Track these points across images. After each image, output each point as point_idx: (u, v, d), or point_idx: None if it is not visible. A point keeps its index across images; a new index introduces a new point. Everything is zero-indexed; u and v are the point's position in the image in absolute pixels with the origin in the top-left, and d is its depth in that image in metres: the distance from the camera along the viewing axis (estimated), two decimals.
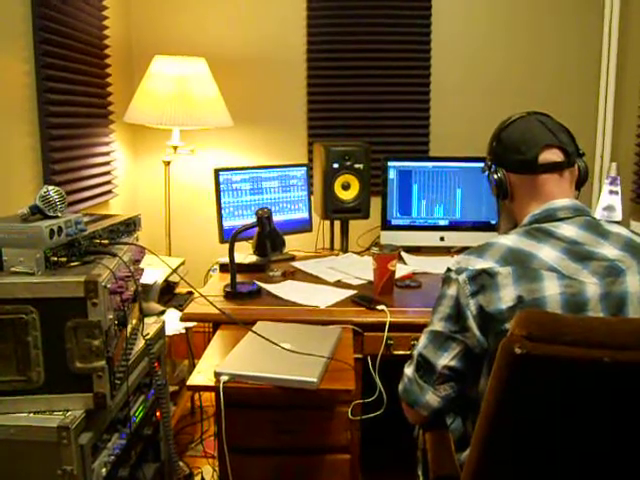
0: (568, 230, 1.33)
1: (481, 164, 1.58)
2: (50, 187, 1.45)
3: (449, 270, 1.37)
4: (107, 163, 2.89)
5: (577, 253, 1.28)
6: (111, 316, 1.42)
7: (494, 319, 1.26)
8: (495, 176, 1.46)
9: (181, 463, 2.42)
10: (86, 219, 1.67)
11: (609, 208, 2.46)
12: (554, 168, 1.39)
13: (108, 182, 2.90)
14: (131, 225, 1.81)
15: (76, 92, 2.56)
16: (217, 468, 2.20)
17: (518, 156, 1.41)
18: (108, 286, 1.39)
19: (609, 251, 1.29)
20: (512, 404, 1.03)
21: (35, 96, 2.27)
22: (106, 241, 1.59)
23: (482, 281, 1.29)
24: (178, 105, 2.71)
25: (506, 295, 1.26)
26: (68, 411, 1.37)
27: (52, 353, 1.35)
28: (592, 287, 1.24)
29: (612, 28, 3.11)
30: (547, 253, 1.28)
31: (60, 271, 1.38)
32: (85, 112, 2.65)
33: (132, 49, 3.22)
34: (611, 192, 2.48)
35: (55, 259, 1.39)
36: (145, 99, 2.76)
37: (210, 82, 2.86)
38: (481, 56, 3.21)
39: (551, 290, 1.24)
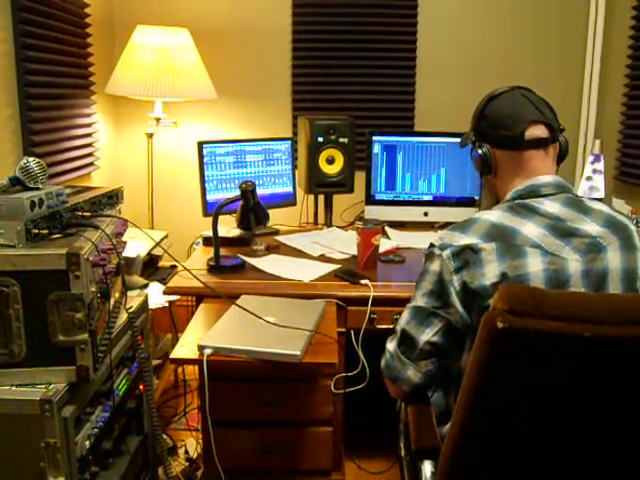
0: (551, 206, 1.33)
1: None
2: (30, 158, 1.43)
3: (432, 246, 1.37)
4: (89, 135, 2.85)
5: (560, 230, 1.29)
6: (93, 289, 1.41)
7: (478, 295, 1.27)
8: (480, 151, 1.44)
9: (164, 436, 2.43)
10: (68, 191, 1.65)
11: (591, 185, 2.48)
12: (540, 144, 1.39)
13: (90, 154, 2.86)
14: (113, 197, 1.79)
15: (56, 62, 2.52)
16: (200, 441, 2.22)
17: (504, 131, 1.40)
18: (90, 259, 1.38)
19: (591, 228, 1.30)
20: (493, 378, 1.04)
21: (14, 65, 2.23)
22: (88, 213, 1.57)
23: (466, 257, 1.29)
24: (161, 76, 2.67)
25: (490, 271, 1.26)
26: (51, 384, 1.36)
27: (34, 326, 1.34)
28: (574, 264, 1.26)
29: (599, 2, 3.10)
30: (531, 229, 1.29)
31: (41, 243, 1.37)
32: (65, 82, 2.61)
33: (114, 18, 3.16)
34: (594, 170, 2.50)
35: (36, 231, 1.37)
36: (127, 70, 2.71)
37: (193, 53, 2.82)
38: (466, 31, 3.19)
39: (535, 267, 1.25)
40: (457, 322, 1.32)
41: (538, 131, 1.39)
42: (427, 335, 1.37)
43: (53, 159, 2.46)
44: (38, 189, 1.42)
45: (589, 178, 2.52)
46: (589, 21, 3.14)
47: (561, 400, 1.06)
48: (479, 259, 1.27)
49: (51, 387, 1.35)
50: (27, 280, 1.31)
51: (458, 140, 2.57)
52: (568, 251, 1.26)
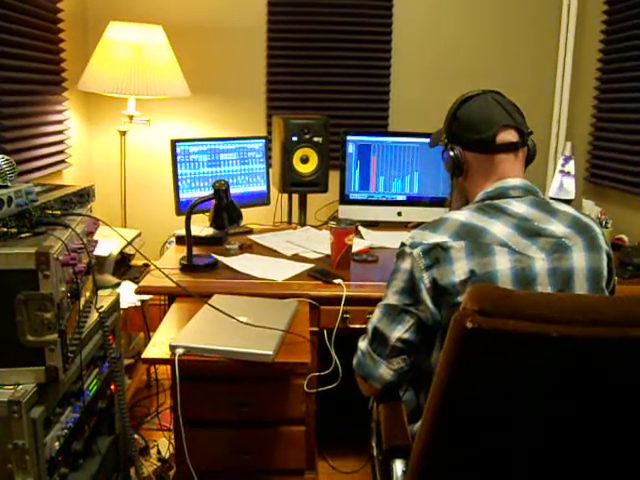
0: (519, 207, 1.36)
1: None
2: None
3: (403, 245, 1.39)
4: (60, 132, 2.82)
5: (527, 229, 1.32)
6: (63, 288, 1.39)
7: (447, 292, 1.29)
8: (451, 153, 1.46)
9: (136, 436, 2.41)
10: (38, 189, 1.63)
11: (562, 186, 2.51)
12: (510, 148, 1.41)
13: (61, 151, 2.83)
14: (84, 196, 1.77)
15: (27, 58, 2.48)
16: (173, 441, 2.20)
17: (476, 135, 1.42)
18: (60, 258, 1.36)
19: (557, 228, 1.33)
20: (462, 377, 1.05)
21: None
22: (58, 212, 1.55)
23: (436, 255, 1.31)
24: (134, 73, 2.65)
25: (459, 269, 1.28)
26: (19, 385, 1.34)
27: (2, 326, 1.32)
28: (540, 262, 1.29)
29: (571, 4, 3.14)
30: (499, 229, 1.31)
31: (10, 242, 1.35)
32: (37, 79, 2.57)
33: (86, 14, 3.12)
34: (564, 171, 2.53)
35: (5, 230, 1.35)
36: (100, 67, 2.68)
37: (167, 51, 2.80)
38: (441, 32, 3.21)
39: (502, 264, 1.27)
40: (428, 319, 1.35)
41: (509, 135, 1.41)
42: (398, 332, 1.39)
43: (24, 156, 2.43)
44: (7, 187, 1.40)
45: (560, 179, 2.55)
46: (561, 24, 3.18)
47: (529, 400, 1.07)
48: (449, 257, 1.30)
49: (19, 388, 1.33)
50: None
51: None
52: (535, 250, 1.30)
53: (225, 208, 2.10)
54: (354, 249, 2.21)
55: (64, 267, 1.39)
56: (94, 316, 1.69)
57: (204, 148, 2.60)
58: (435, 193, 2.78)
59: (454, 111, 1.47)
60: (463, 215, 1.36)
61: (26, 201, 1.43)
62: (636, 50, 2.67)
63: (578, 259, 1.31)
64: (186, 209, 2.11)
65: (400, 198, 2.80)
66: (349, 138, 2.74)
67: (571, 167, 2.54)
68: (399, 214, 2.80)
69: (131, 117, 2.86)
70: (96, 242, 1.79)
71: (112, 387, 1.83)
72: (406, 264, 1.36)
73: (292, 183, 2.71)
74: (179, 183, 2.53)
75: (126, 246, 2.41)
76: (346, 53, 3.18)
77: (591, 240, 1.34)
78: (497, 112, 1.41)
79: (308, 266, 2.16)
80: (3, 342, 1.33)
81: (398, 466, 1.32)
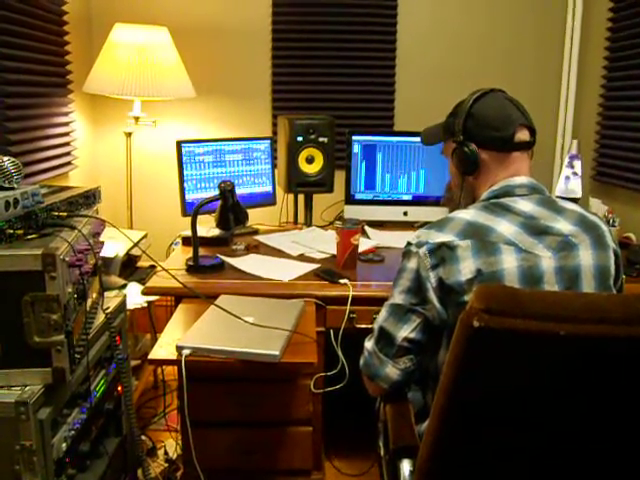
0: (525, 205, 1.36)
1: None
2: (5, 158, 1.41)
3: (409, 244, 1.39)
4: (66, 134, 2.82)
5: (533, 227, 1.32)
6: (70, 290, 1.39)
7: (453, 291, 1.29)
8: (466, 149, 1.44)
9: (144, 437, 2.42)
10: (44, 191, 1.63)
11: (568, 185, 2.50)
12: (524, 147, 1.42)
13: (67, 153, 2.83)
14: (91, 197, 1.78)
15: (33, 60, 2.49)
16: (180, 442, 2.21)
17: (494, 133, 1.41)
18: (67, 259, 1.36)
19: (563, 226, 1.33)
20: (470, 377, 1.04)
21: None
22: (64, 213, 1.55)
23: (442, 254, 1.31)
24: (139, 75, 2.65)
25: (465, 268, 1.28)
26: (26, 386, 1.35)
27: (9, 327, 1.32)
28: (547, 261, 1.28)
29: (576, 2, 3.13)
30: (505, 227, 1.31)
31: (17, 244, 1.35)
32: (42, 81, 2.58)
33: (92, 16, 3.13)
34: (571, 169, 2.52)
35: (11, 232, 1.35)
36: (105, 68, 2.69)
37: (172, 52, 2.80)
38: (446, 32, 3.21)
39: (509, 263, 1.27)
40: (434, 318, 1.34)
41: (524, 135, 1.42)
42: (405, 332, 1.38)
43: (30, 158, 2.43)
44: (13, 189, 1.40)
45: (567, 178, 2.54)
46: (566, 22, 3.17)
47: (537, 399, 1.07)
48: (455, 256, 1.29)
49: (27, 389, 1.34)
50: (2, 281, 1.30)
51: None
52: (541, 248, 1.29)
53: (231, 209, 2.10)
54: (360, 249, 2.20)
55: (70, 268, 1.40)
56: (101, 317, 1.69)
57: (210, 149, 2.60)
58: (441, 192, 2.74)
59: (468, 108, 1.44)
60: (469, 214, 1.36)
61: (32, 203, 1.43)
62: None
63: (585, 257, 1.30)
64: (192, 210, 2.11)
65: (406, 198, 2.79)
66: (354, 138, 2.74)
67: (577, 166, 2.52)
68: (405, 214, 2.80)
69: (137, 119, 2.87)
70: (102, 243, 1.79)
71: (119, 388, 1.83)
72: (412, 263, 1.36)
73: (298, 183, 2.71)
74: (185, 184, 2.54)
75: (132, 247, 2.41)
76: (351, 53, 3.18)
77: (598, 238, 1.34)
78: (513, 111, 1.42)
79: (314, 266, 2.16)
80: (10, 343, 1.33)
81: (405, 466, 1.32)
